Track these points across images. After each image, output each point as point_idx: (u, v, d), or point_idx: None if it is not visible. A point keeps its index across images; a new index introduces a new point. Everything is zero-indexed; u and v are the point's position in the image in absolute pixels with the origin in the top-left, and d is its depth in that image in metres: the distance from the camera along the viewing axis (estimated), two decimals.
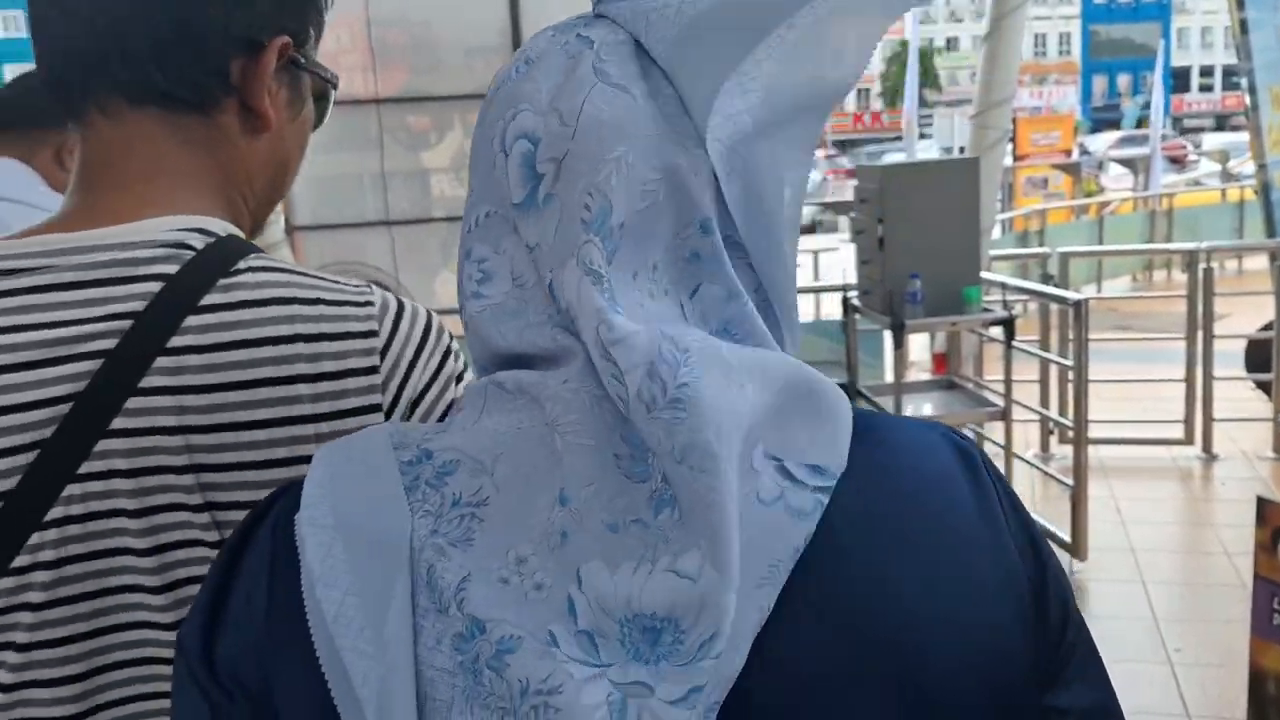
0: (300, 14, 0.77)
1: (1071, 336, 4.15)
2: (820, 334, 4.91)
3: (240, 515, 0.58)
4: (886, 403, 4.02)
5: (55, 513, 0.64)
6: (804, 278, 9.57)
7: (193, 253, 0.68)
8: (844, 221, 14.36)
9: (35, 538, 0.64)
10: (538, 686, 0.46)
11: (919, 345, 5.80)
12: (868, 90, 50.85)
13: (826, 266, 9.71)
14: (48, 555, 0.64)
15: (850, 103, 51.25)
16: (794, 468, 0.49)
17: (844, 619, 0.49)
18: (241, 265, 0.69)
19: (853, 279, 4.53)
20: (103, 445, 0.64)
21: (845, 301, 4.42)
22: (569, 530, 0.48)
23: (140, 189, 0.71)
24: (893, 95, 47.16)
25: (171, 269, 0.67)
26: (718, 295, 0.52)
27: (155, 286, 0.66)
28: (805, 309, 6.84)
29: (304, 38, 0.78)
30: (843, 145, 40.39)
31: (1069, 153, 14.98)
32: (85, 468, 0.64)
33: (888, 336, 4.13)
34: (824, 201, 18.25)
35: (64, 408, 0.64)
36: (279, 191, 0.82)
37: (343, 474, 0.53)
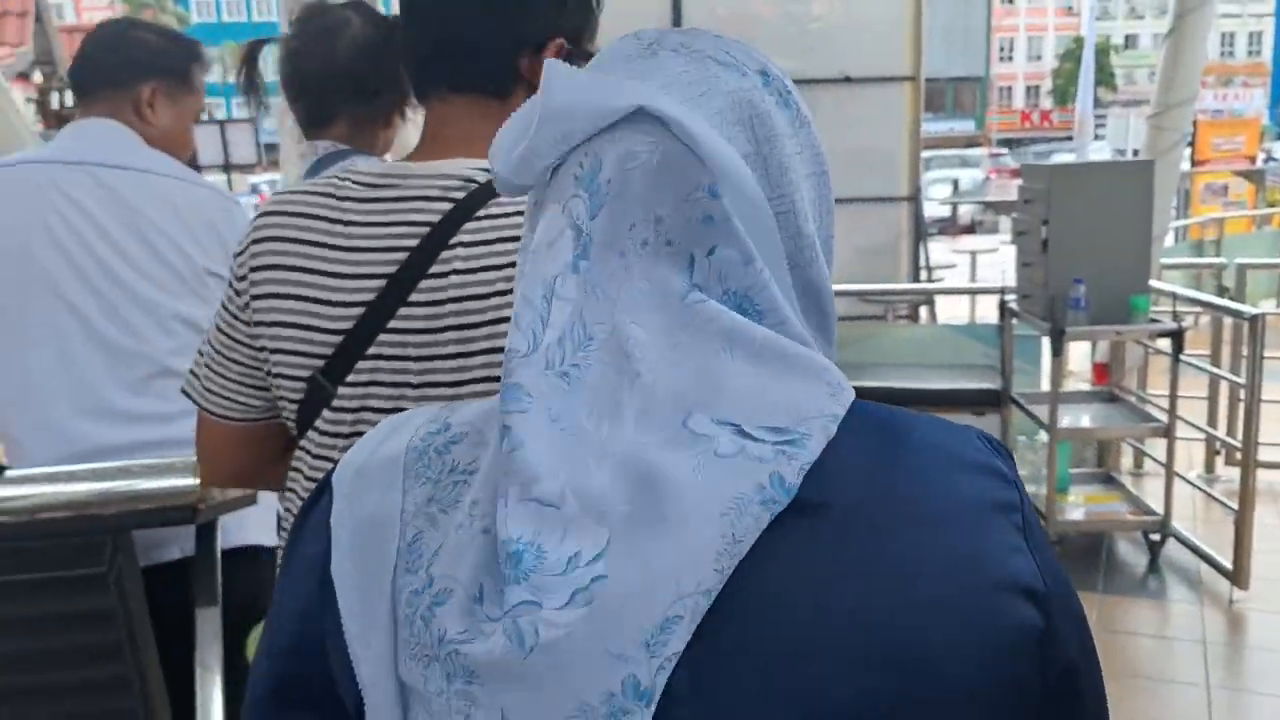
0: (575, 17, 1.05)
1: (1245, 353, 3.93)
2: (974, 338, 4.78)
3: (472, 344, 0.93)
4: (1041, 412, 3.90)
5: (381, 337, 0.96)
6: (960, 279, 9.33)
7: (475, 185, 0.97)
8: (1005, 222, 13.89)
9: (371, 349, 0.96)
10: (453, 636, 0.50)
11: (1079, 354, 5.58)
12: (1037, 87, 48.87)
13: (984, 267, 9.42)
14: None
15: (1019, 99, 49.37)
16: (752, 429, 0.51)
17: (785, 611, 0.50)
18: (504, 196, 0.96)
19: (1012, 281, 4.40)
20: (403, 310, 0.95)
21: (1003, 305, 4.30)
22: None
23: (455, 146, 1.01)
24: (1064, 93, 45.20)
25: (460, 194, 0.97)
26: (734, 259, 0.54)
27: (448, 206, 0.96)
28: (960, 311, 6.67)
29: (578, 35, 1.05)
30: (1009, 143, 38.98)
31: (1253, 159, 14.06)
32: (399, 313, 0.96)
33: (1046, 343, 4.00)
34: (985, 200, 17.69)
35: (381, 285, 0.96)
36: None
37: (365, 458, 0.60)
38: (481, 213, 0.95)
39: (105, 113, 1.69)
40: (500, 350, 0.69)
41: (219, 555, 1.47)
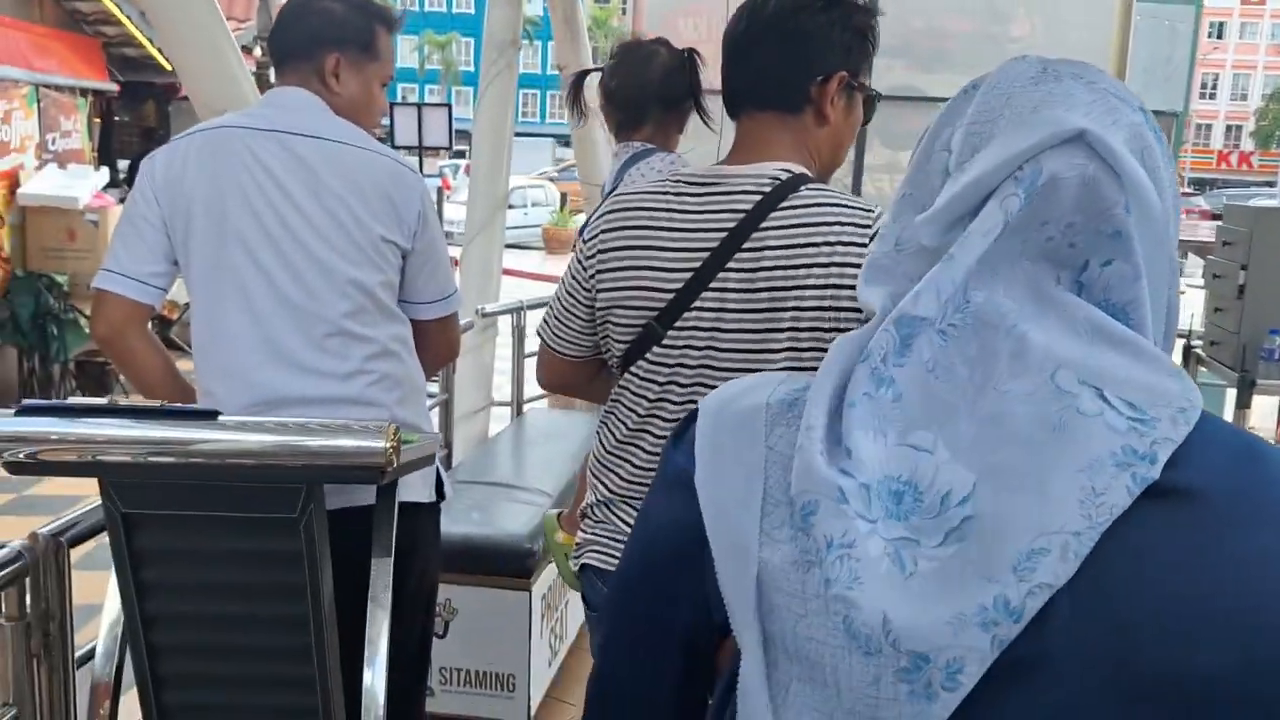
0: (856, 58, 1.36)
1: None
2: None
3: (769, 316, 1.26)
4: None
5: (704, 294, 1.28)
6: None
7: (779, 181, 1.29)
8: (1194, 263, 13.11)
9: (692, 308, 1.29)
10: (839, 540, 0.56)
11: (1265, 408, 5.23)
12: (1239, 127, 45.92)
13: None
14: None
15: (1217, 139, 46.51)
16: (1111, 397, 0.56)
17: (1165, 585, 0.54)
18: (804, 189, 1.29)
19: (1199, 326, 4.17)
20: (721, 274, 1.27)
21: (1188, 350, 4.08)
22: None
23: (761, 150, 1.33)
24: (1268, 135, 42.31)
25: (768, 188, 1.28)
26: (1126, 273, 0.61)
27: (759, 197, 1.27)
28: None
29: (858, 70, 1.36)
30: (1200, 184, 36.78)
31: None
32: (718, 275, 1.27)
33: (1231, 394, 3.77)
34: None
35: (706, 255, 1.28)
36: (836, 159, 1.43)
37: (729, 401, 0.69)
38: (784, 203, 1.27)
39: (296, 82, 1.78)
40: (806, 309, 1.23)
41: (396, 511, 1.55)
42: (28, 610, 1.47)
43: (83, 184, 6.60)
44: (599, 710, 0.73)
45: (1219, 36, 45.87)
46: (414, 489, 1.75)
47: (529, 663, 2.64)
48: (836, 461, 0.58)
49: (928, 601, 0.53)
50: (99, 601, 1.61)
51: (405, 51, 46.22)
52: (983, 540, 0.53)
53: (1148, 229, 0.61)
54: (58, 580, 1.52)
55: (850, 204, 1.28)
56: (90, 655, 1.61)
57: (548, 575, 2.76)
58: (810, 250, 1.23)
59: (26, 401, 1.37)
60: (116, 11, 7.11)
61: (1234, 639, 0.52)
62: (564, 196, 20.72)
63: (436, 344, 1.88)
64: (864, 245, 1.23)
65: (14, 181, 6.46)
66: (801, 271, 1.23)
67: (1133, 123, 0.64)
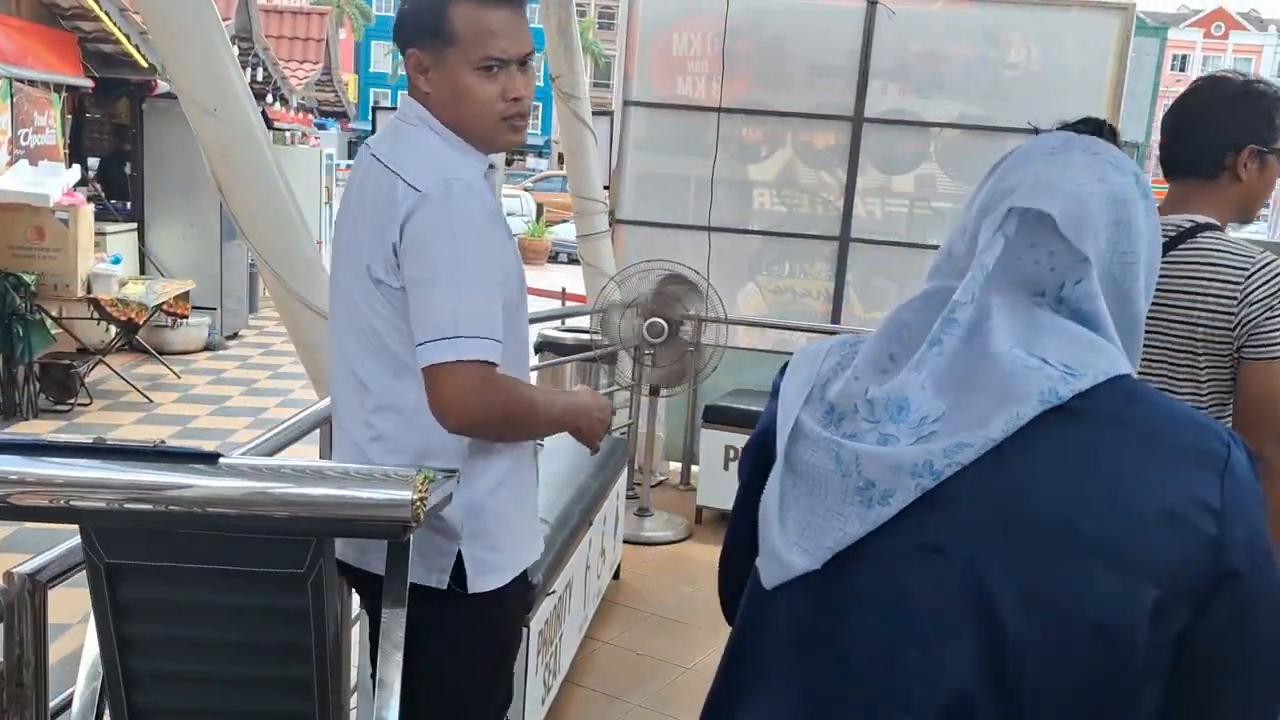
0: (1265, 131, 1.78)
1: None
2: None
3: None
4: None
5: None
6: None
7: (1182, 228, 1.76)
8: None
9: None
10: (848, 423, 0.83)
11: None
12: None
13: None
14: None
15: None
16: (1051, 360, 0.79)
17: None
18: (1201, 235, 1.74)
19: None
20: None
21: None
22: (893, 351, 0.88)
23: (1180, 206, 1.80)
24: None
25: (1173, 233, 1.74)
26: (1088, 292, 0.84)
27: (1165, 240, 1.52)
28: None
29: (1268, 140, 1.78)
30: None
31: None
32: None
33: None
34: None
35: None
36: (1247, 213, 1.86)
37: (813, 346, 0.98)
38: (1181, 245, 1.73)
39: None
40: (1173, 333, 1.72)
41: (410, 551, 1.42)
42: None
43: (54, 181, 6.40)
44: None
45: (1181, 69, 46.49)
46: (414, 569, 1.46)
47: (524, 699, 2.51)
48: (865, 382, 0.83)
49: (887, 457, 0.79)
50: (77, 646, 1.47)
51: (379, 55, 45.89)
52: (936, 440, 0.78)
53: (1102, 266, 0.85)
54: (34, 625, 1.38)
55: (1234, 251, 1.70)
56: (66, 705, 1.47)
57: (544, 609, 2.64)
58: (1188, 284, 1.70)
59: (3, 437, 1.23)
60: (95, 6, 6.91)
61: (1078, 498, 0.75)
62: (540, 207, 20.55)
63: (430, 401, 1.45)
64: (1235, 285, 1.67)
65: None
66: (1178, 299, 1.70)
67: (1119, 183, 0.87)
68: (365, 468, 1.25)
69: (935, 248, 5.49)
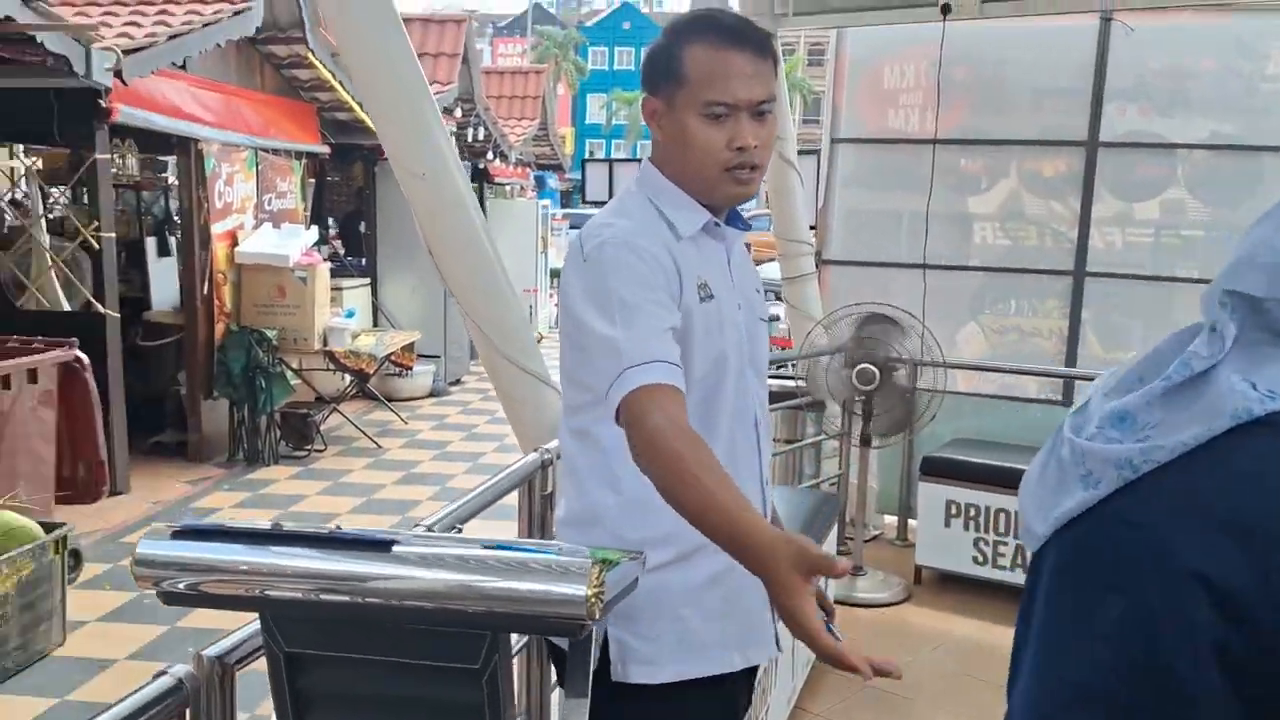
0: None
1: None
2: None
3: None
4: None
5: None
6: None
7: None
8: None
9: None
10: (1079, 425, 0.83)
11: None
12: None
13: None
14: None
15: None
16: (1258, 385, 0.77)
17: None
18: None
19: None
20: None
21: None
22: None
23: None
24: None
25: None
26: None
27: None
28: None
29: None
30: None
31: None
32: None
33: None
34: None
35: None
36: None
37: None
38: None
39: None
40: None
41: (595, 642, 1.31)
42: None
43: (293, 242, 6.88)
44: None
45: None
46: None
47: None
48: (1110, 398, 0.84)
49: (1102, 452, 0.79)
50: None
51: (594, 108, 47.51)
52: (1142, 443, 0.78)
53: None
54: (222, 710, 1.36)
55: None
56: None
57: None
58: None
59: (186, 522, 1.22)
60: (330, 78, 7.42)
61: (1262, 496, 0.75)
62: (748, 246, 20.50)
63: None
64: None
65: (234, 240, 6.79)
66: None
67: None
68: (543, 556, 1.15)
69: (1186, 280, 5.05)
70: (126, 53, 5.21)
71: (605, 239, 1.42)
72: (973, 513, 4.46)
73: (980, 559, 4.43)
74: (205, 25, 5.80)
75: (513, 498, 2.43)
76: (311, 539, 1.18)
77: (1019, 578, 4.32)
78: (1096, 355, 5.18)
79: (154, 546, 1.19)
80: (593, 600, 1.10)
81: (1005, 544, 4.38)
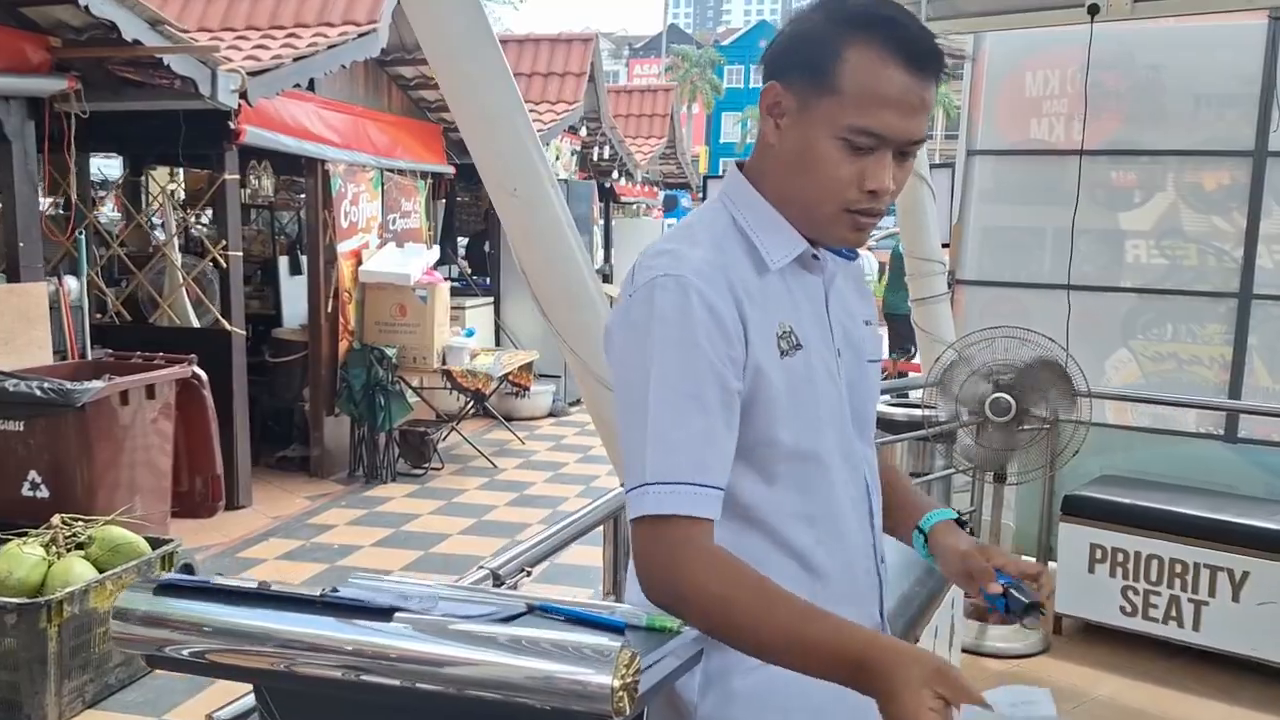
0: None
1: None
2: None
3: None
4: None
5: None
6: None
7: None
8: None
9: None
10: None
11: None
12: None
13: None
14: None
15: None
16: None
17: None
18: None
19: None
20: None
21: None
22: None
23: None
24: None
25: None
26: None
27: None
28: None
29: None
30: None
31: None
32: None
33: None
34: None
35: None
36: None
37: None
38: None
39: None
40: None
41: None
42: None
43: (415, 261, 6.91)
44: None
45: None
46: None
47: None
48: None
49: None
50: None
51: (729, 126, 47.34)
52: None
53: None
54: None
55: None
56: None
57: None
58: None
59: (169, 577, 1.07)
60: None
61: None
62: (882, 266, 19.76)
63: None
64: None
65: (358, 260, 6.87)
66: None
67: None
68: (571, 636, 0.95)
69: None
70: (252, 74, 5.29)
71: (661, 272, 1.14)
72: (1121, 558, 4.04)
73: (1129, 609, 4.01)
74: (330, 47, 5.88)
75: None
76: (302, 602, 1.02)
77: (1173, 631, 3.90)
78: (1264, 385, 4.68)
79: (134, 600, 1.05)
80: (621, 693, 0.89)
81: (1158, 593, 3.95)
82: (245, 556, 5.28)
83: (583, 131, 10.97)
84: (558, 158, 10.38)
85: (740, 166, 1.31)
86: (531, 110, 10.29)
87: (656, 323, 1.12)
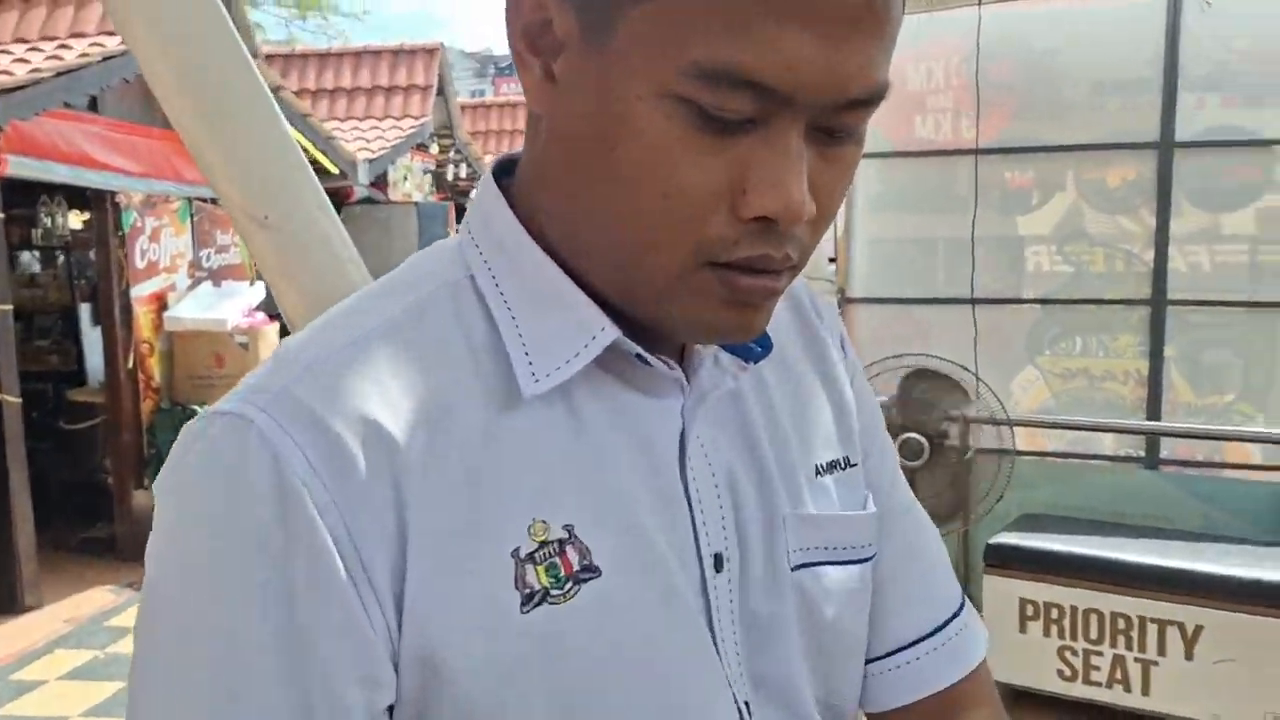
0: None
1: None
2: None
3: None
4: None
5: None
6: None
7: None
8: None
9: None
10: None
11: None
12: None
13: None
14: None
15: None
16: None
17: None
18: None
19: None
20: None
21: None
22: None
23: None
24: None
25: None
26: None
27: None
28: None
29: None
30: None
31: None
32: None
33: None
34: None
35: None
36: None
37: None
38: None
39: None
40: None
41: None
42: None
43: (232, 303, 6.01)
44: None
45: None
46: None
47: None
48: None
49: None
50: None
51: None
52: None
53: None
54: None
55: None
56: None
57: None
58: None
59: None
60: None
61: None
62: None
63: None
64: None
65: (162, 304, 5.93)
66: None
67: None
68: None
69: None
70: (2, 92, 4.36)
71: (222, 409, 0.54)
72: (1055, 614, 3.51)
73: (1068, 673, 3.48)
74: (106, 59, 4.95)
75: None
76: None
77: (1119, 697, 3.38)
78: (1186, 401, 4.25)
79: None
80: None
81: (1099, 654, 3.43)
82: (20, 679, 4.32)
83: (434, 149, 10.18)
84: (407, 177, 9.57)
85: (507, 169, 0.61)
86: (374, 126, 9.47)
87: (171, 533, 0.54)
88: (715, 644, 0.58)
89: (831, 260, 4.58)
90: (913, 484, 3.40)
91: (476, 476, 0.52)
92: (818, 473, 0.66)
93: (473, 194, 0.62)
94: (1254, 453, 4.19)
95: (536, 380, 0.54)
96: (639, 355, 0.56)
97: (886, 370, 3.57)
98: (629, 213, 0.52)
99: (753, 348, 0.62)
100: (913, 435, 3.44)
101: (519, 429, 0.54)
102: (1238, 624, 3.15)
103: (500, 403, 0.54)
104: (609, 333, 0.56)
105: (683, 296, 0.54)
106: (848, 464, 0.68)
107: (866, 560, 0.67)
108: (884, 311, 4.54)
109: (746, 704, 0.59)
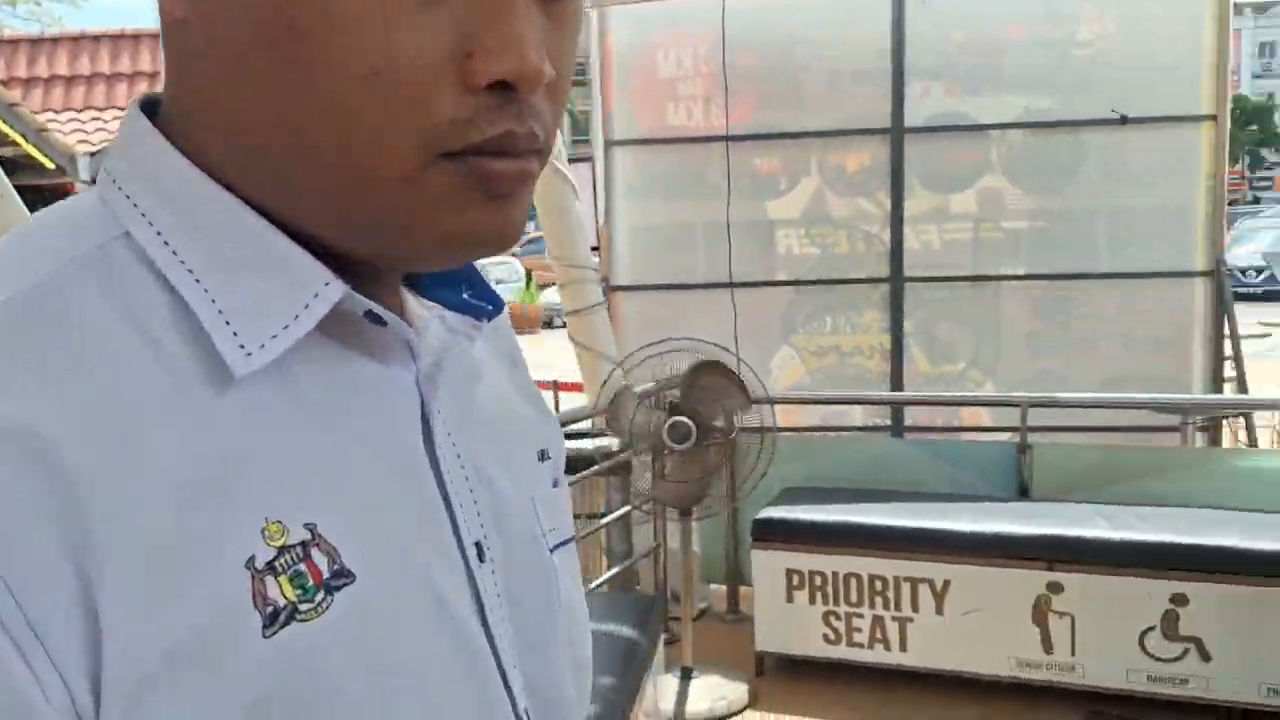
0: None
1: None
2: None
3: None
4: None
5: None
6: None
7: None
8: None
9: None
10: None
11: None
12: None
13: None
14: None
15: None
16: None
17: None
18: None
19: None
20: None
21: None
22: None
23: None
24: None
25: None
26: None
27: None
28: None
29: None
30: None
31: None
32: None
33: None
34: None
35: None
36: None
37: None
38: None
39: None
40: None
41: None
42: None
43: None
44: None
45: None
46: None
47: None
48: None
49: None
50: None
51: None
52: None
53: None
54: None
55: None
56: None
57: None
58: None
59: None
60: None
61: None
62: (529, 273, 19.40)
63: None
64: None
65: None
66: None
67: None
68: None
69: (1011, 278, 4.44)
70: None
71: None
72: (818, 581, 3.64)
73: (832, 636, 3.62)
74: None
75: None
76: None
77: (880, 655, 3.55)
78: (924, 372, 4.54)
79: None
80: None
81: (860, 615, 3.58)
82: None
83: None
84: None
85: (149, 109, 0.49)
86: (94, 117, 8.65)
87: None
88: (493, 646, 0.50)
89: (594, 249, 4.56)
90: (683, 466, 3.44)
91: (184, 480, 0.41)
92: (540, 457, 0.60)
93: (124, 126, 0.49)
94: (985, 416, 4.54)
95: (249, 354, 0.43)
96: (370, 313, 0.47)
97: (652, 356, 3.58)
98: (329, 108, 0.42)
99: (482, 305, 0.54)
100: (681, 419, 3.47)
101: (232, 416, 0.43)
102: (981, 576, 3.38)
103: (201, 388, 0.43)
104: (334, 288, 0.45)
105: (417, 206, 0.44)
106: (544, 457, 0.61)
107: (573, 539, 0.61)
108: (647, 298, 4.58)
109: (526, 711, 0.52)
